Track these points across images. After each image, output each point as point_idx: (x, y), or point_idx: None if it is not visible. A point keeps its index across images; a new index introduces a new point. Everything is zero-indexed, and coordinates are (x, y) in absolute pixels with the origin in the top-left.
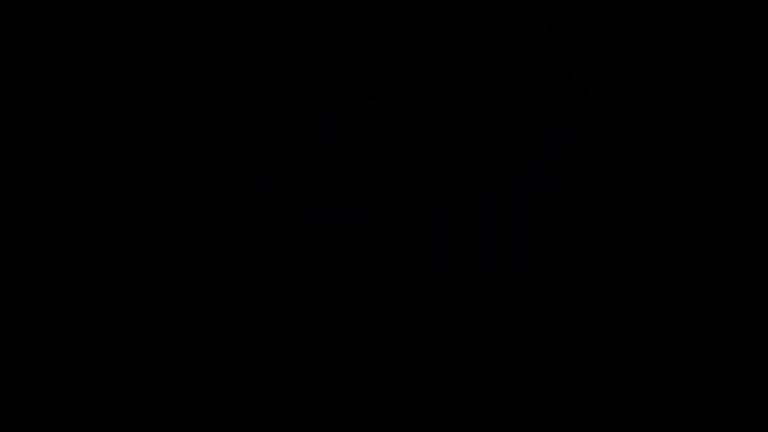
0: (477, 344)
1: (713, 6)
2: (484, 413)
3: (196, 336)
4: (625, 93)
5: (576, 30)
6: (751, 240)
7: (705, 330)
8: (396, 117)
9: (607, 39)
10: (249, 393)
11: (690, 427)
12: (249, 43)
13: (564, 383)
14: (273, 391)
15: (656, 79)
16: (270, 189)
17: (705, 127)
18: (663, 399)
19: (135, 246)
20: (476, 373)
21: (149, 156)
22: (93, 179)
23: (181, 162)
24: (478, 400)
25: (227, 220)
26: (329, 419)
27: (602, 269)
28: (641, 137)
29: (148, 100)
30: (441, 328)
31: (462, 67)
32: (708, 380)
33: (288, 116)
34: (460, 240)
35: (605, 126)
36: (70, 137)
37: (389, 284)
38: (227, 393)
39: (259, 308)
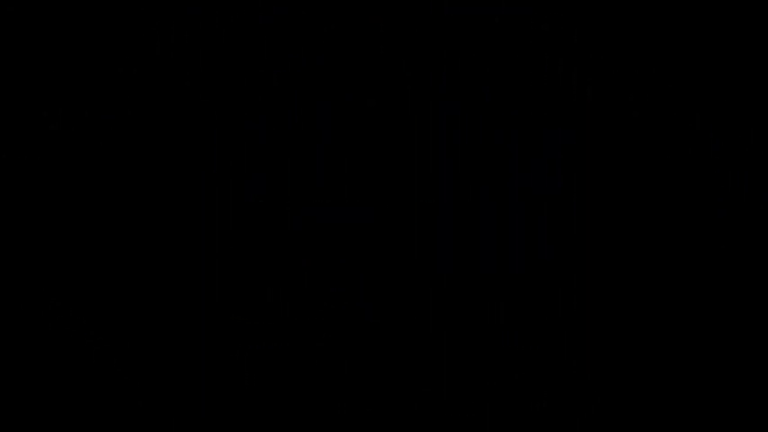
0: (477, 344)
1: (713, 6)
2: (484, 413)
3: (196, 336)
4: (625, 93)
5: (576, 30)
6: (751, 240)
7: (705, 330)
8: (396, 117)
9: (607, 39)
10: (249, 393)
11: (690, 427)
12: (249, 43)
13: (564, 383)
14: (273, 391)
15: (656, 79)
16: (270, 189)
17: (705, 127)
18: (663, 399)
19: (135, 246)
20: (476, 373)
21: (149, 156)
22: (93, 179)
23: (181, 162)
24: (478, 400)
25: (227, 220)
26: (329, 419)
27: (602, 269)
28: (641, 137)
29: (148, 100)
30: (441, 328)
31: (462, 67)
32: (708, 380)
33: (288, 116)
34: (460, 240)
35: (605, 126)
36: (70, 137)
37: (389, 284)
38: (227, 393)
39: (259, 308)
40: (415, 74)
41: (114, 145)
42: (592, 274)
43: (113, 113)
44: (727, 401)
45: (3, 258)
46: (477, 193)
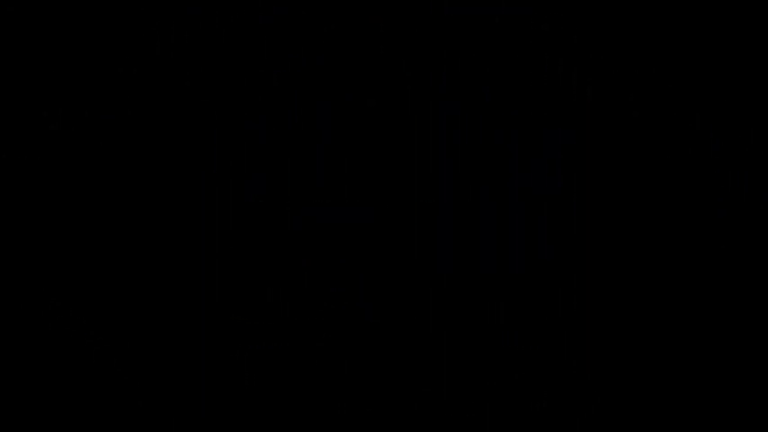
0: (477, 344)
1: (713, 6)
2: (484, 413)
3: (196, 336)
4: (625, 93)
5: (576, 30)
6: (751, 240)
7: (705, 330)
8: (396, 117)
9: (607, 39)
10: (249, 393)
11: (690, 427)
12: (249, 43)
13: (564, 383)
14: (273, 391)
15: (656, 79)
16: (270, 189)
17: (705, 127)
18: (663, 399)
19: (135, 246)
20: (476, 373)
21: (149, 156)
22: (93, 179)
23: (181, 162)
24: (478, 400)
25: (227, 220)
26: (329, 419)
27: (602, 269)
28: (641, 137)
29: (148, 100)
30: (441, 328)
31: (462, 67)
32: (708, 380)
33: (288, 116)
34: (460, 240)
35: (605, 126)
36: (70, 137)
37: (389, 284)
38: (227, 393)
39: (259, 308)
40: (415, 74)
41: (114, 145)
42: (592, 274)
43: (113, 113)
44: (728, 401)
45: (3, 258)
46: (477, 193)
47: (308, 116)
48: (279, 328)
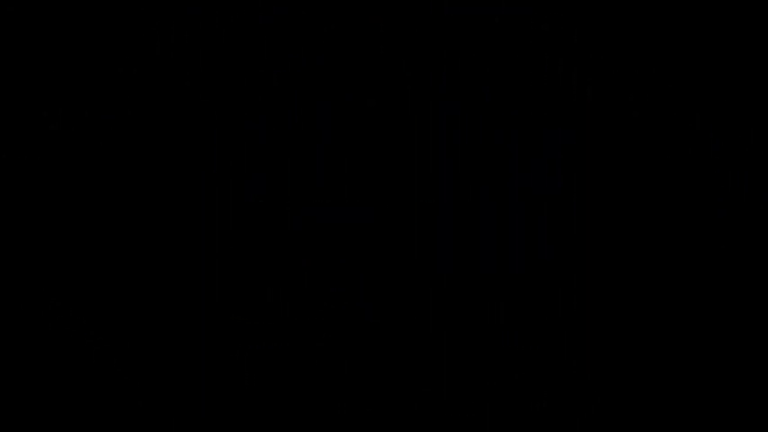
0: (477, 344)
1: (713, 6)
2: (484, 413)
3: (196, 336)
4: (625, 93)
5: (576, 30)
6: (751, 240)
7: (705, 330)
8: (396, 117)
9: (607, 39)
10: (249, 393)
11: (690, 427)
12: (249, 43)
13: (564, 383)
14: (273, 391)
15: (656, 79)
16: (270, 189)
17: (705, 127)
18: (663, 399)
19: (135, 246)
20: (476, 373)
21: (149, 156)
22: (93, 179)
23: (181, 162)
24: (478, 400)
25: (227, 220)
26: (329, 419)
27: (602, 269)
28: (641, 137)
29: (148, 100)
30: (441, 328)
31: (462, 67)
32: (708, 380)
33: (288, 116)
34: (460, 240)
35: (605, 126)
36: (70, 137)
37: (389, 284)
38: (227, 393)
39: (259, 308)
40: (415, 74)
41: (114, 145)
42: (592, 274)
43: (113, 113)
44: (728, 401)
45: (3, 258)
46: (477, 193)
47: (308, 116)
48: (279, 328)
